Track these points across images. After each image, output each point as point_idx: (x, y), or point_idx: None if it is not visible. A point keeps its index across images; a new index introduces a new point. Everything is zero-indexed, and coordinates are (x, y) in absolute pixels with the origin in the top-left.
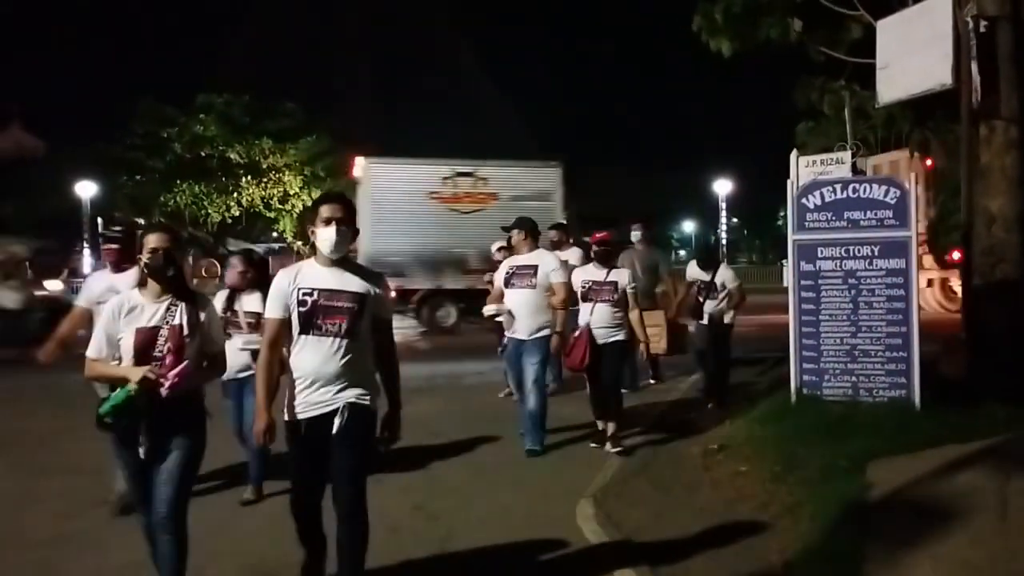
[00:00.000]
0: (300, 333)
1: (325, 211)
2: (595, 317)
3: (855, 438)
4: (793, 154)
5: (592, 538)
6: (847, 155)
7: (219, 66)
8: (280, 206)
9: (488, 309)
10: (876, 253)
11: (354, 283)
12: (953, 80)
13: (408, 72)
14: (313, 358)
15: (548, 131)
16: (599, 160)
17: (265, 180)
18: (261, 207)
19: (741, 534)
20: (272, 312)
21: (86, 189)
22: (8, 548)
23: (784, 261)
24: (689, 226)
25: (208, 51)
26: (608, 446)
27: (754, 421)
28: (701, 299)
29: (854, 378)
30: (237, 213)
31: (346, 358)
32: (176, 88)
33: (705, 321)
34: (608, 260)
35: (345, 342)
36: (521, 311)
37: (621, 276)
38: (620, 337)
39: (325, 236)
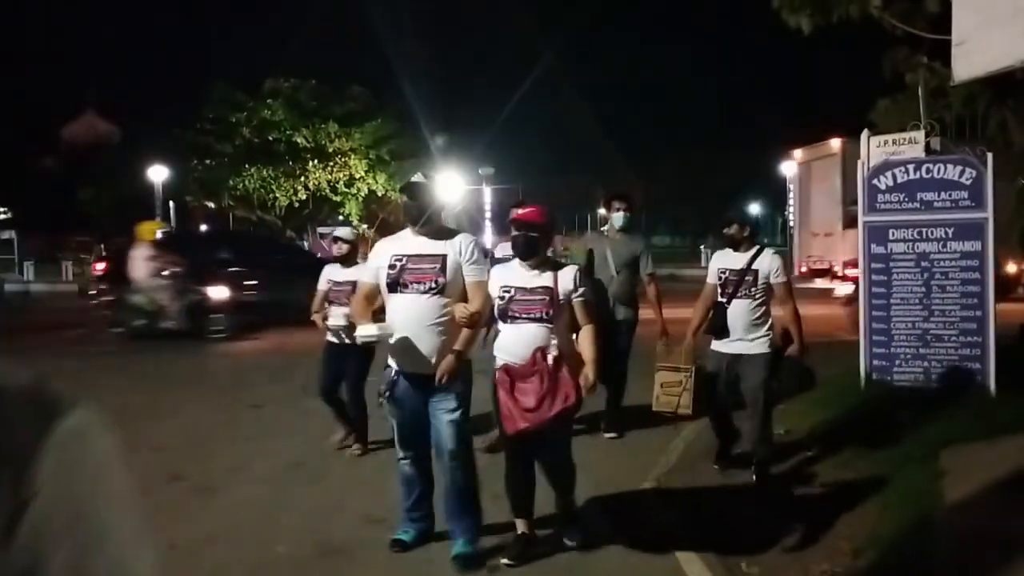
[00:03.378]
0: None
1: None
2: (519, 341)
3: (927, 424)
4: (864, 133)
5: (654, 519)
6: (920, 135)
7: (286, 51)
8: (346, 190)
9: (364, 331)
10: (950, 235)
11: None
12: None
13: (475, 56)
14: None
15: (615, 114)
16: (665, 140)
17: (331, 164)
18: (328, 191)
19: (809, 521)
20: None
21: (158, 173)
22: None
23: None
24: (756, 208)
25: (275, 36)
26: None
27: (820, 405)
28: (726, 299)
29: (926, 363)
30: (304, 197)
31: None
32: (244, 73)
33: (730, 345)
34: (532, 252)
35: None
36: (417, 330)
37: (563, 279)
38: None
39: None
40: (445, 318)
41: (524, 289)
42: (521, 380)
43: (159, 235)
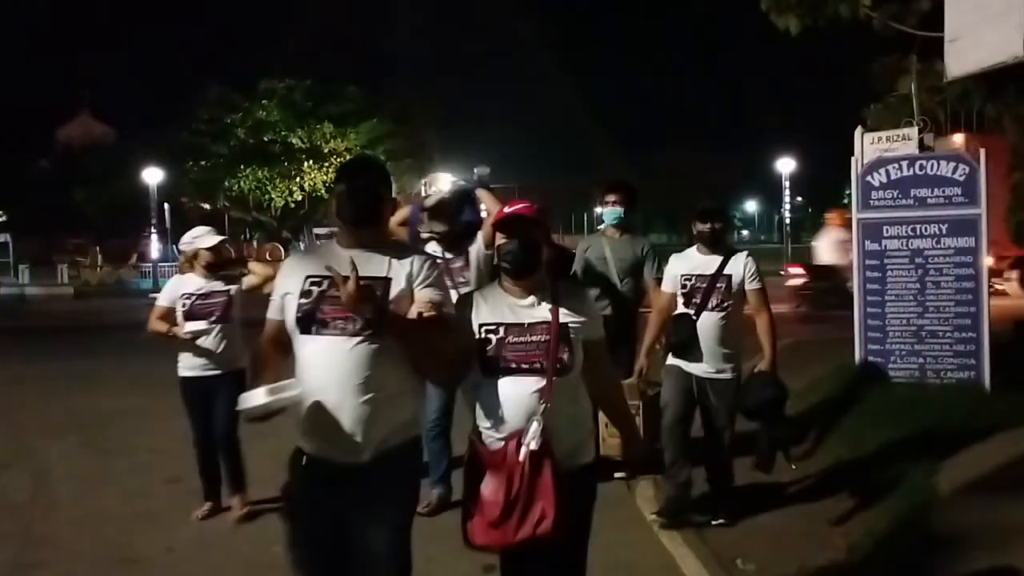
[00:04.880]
0: None
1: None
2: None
3: (922, 421)
4: (858, 131)
5: (651, 518)
6: (913, 132)
7: (281, 51)
8: None
9: (249, 400)
10: (944, 231)
11: None
12: None
13: (470, 54)
14: None
15: (611, 113)
16: (661, 139)
17: (327, 164)
18: (323, 191)
19: (804, 516)
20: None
21: (153, 175)
22: (86, 525)
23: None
24: (752, 206)
25: (270, 36)
26: None
27: (816, 403)
28: (693, 311)
29: (921, 359)
30: (300, 198)
31: None
32: (239, 74)
33: (696, 365)
34: (533, 266)
35: None
36: (338, 392)
37: (572, 307)
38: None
39: None
40: (385, 375)
41: (517, 326)
42: (493, 471)
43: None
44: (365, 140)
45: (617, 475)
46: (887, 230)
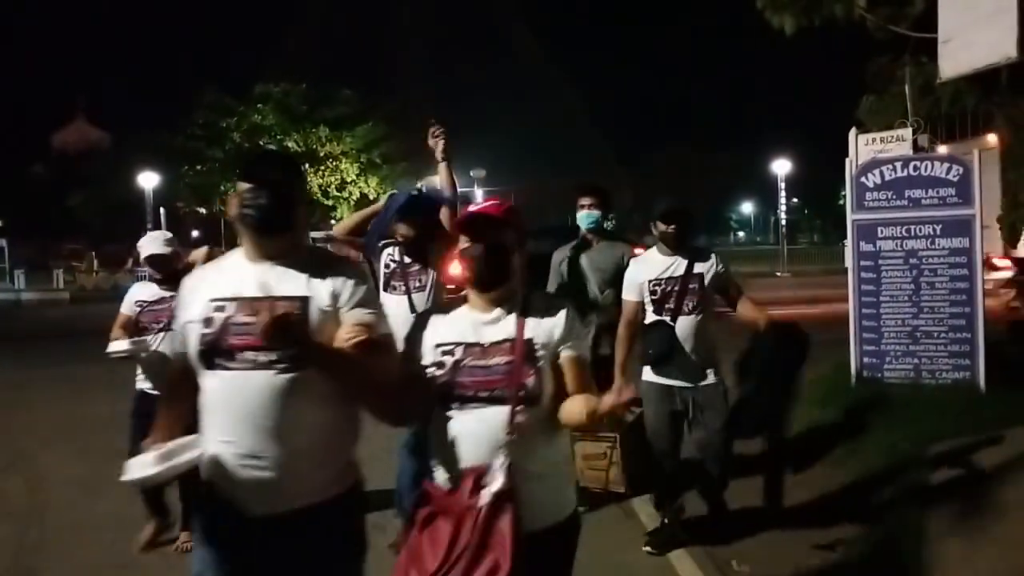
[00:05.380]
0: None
1: None
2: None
3: (918, 421)
4: (852, 132)
5: (647, 522)
6: (908, 132)
7: (276, 55)
8: (338, 194)
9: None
10: (938, 232)
11: None
12: (1019, 53)
13: (464, 56)
14: None
15: (607, 114)
16: (657, 140)
17: (323, 168)
18: (319, 195)
19: (798, 518)
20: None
21: (149, 179)
22: (81, 531)
23: (845, 241)
24: (748, 207)
25: (266, 40)
26: None
27: (812, 404)
28: (669, 316)
29: (916, 360)
30: None
31: None
32: (234, 78)
33: (677, 374)
34: (502, 277)
35: None
36: (252, 435)
37: (545, 323)
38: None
39: None
40: (306, 414)
41: (476, 347)
42: (442, 516)
43: None
44: (361, 143)
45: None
46: (881, 231)
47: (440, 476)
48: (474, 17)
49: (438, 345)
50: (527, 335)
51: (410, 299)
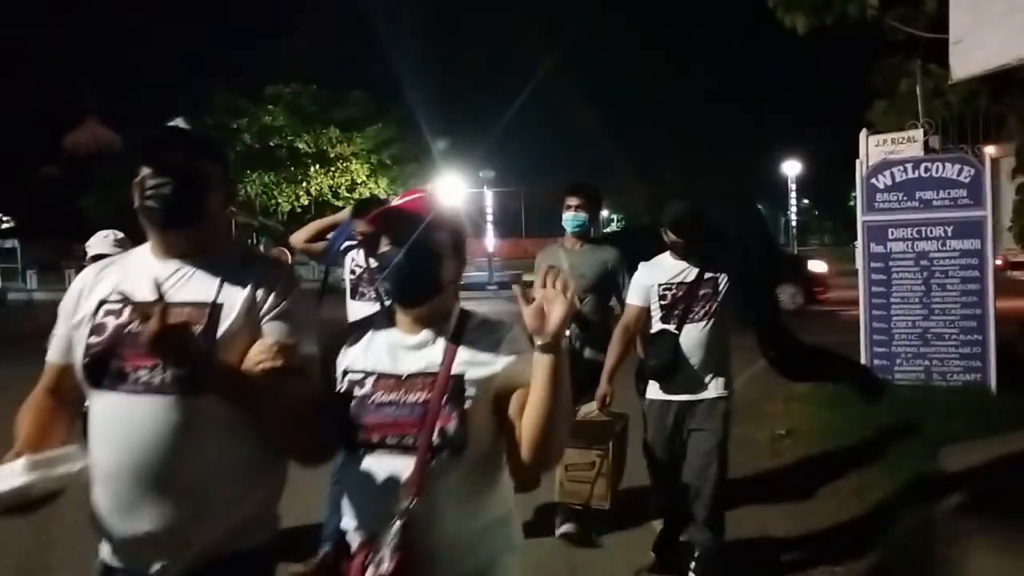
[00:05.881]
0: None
1: None
2: (374, 495)
3: (928, 423)
4: (863, 133)
5: (657, 525)
6: (919, 133)
7: (287, 56)
8: (348, 195)
9: (13, 477)
10: (949, 234)
11: None
12: None
13: (476, 60)
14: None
15: (616, 113)
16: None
17: (333, 169)
18: (330, 196)
19: (810, 520)
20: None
21: None
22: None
23: (856, 243)
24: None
25: (277, 41)
26: None
27: (822, 405)
28: (674, 325)
29: (927, 362)
30: (306, 202)
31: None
32: (245, 79)
33: (680, 389)
34: (429, 291)
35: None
36: (147, 470)
37: (483, 347)
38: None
39: None
40: (208, 450)
41: (391, 378)
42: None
43: None
44: (371, 145)
45: (562, 530)
46: (892, 232)
47: (350, 536)
48: (485, 19)
49: (347, 372)
50: (456, 368)
51: (382, 306)
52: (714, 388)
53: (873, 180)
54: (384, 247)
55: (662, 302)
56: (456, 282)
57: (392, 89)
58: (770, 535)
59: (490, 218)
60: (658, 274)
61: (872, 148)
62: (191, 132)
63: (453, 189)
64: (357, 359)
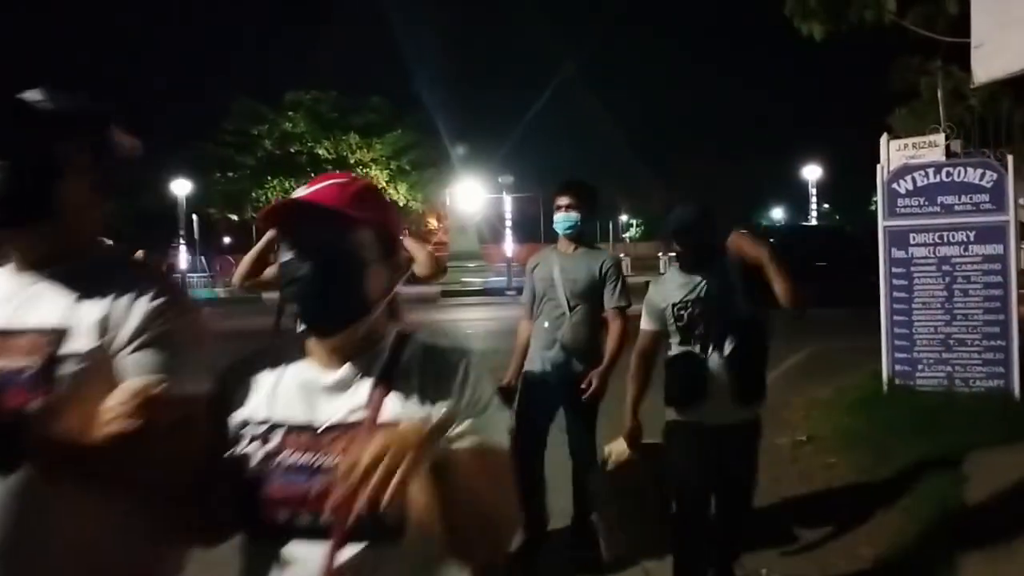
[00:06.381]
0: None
1: None
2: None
3: (951, 430)
4: (883, 138)
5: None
6: (940, 138)
7: (306, 63)
8: None
9: None
10: (972, 239)
11: None
12: None
13: (495, 63)
14: None
15: (636, 120)
16: (687, 148)
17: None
18: None
19: (830, 527)
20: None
21: (181, 187)
22: None
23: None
24: (778, 213)
25: (296, 49)
26: None
27: (843, 412)
28: (699, 347)
29: (949, 368)
30: None
31: None
32: (265, 86)
33: (710, 414)
34: (343, 316)
35: None
36: None
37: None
38: None
39: None
40: (59, 532)
41: (303, 432)
42: None
43: None
44: (390, 151)
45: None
46: (914, 238)
47: None
48: (504, 24)
49: (246, 423)
50: (388, 417)
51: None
52: (748, 411)
53: (894, 185)
54: (285, 255)
55: (679, 324)
56: (390, 296)
57: (411, 95)
58: (790, 541)
59: (509, 223)
60: (670, 292)
61: (893, 152)
62: (38, 105)
63: (472, 194)
64: (259, 405)
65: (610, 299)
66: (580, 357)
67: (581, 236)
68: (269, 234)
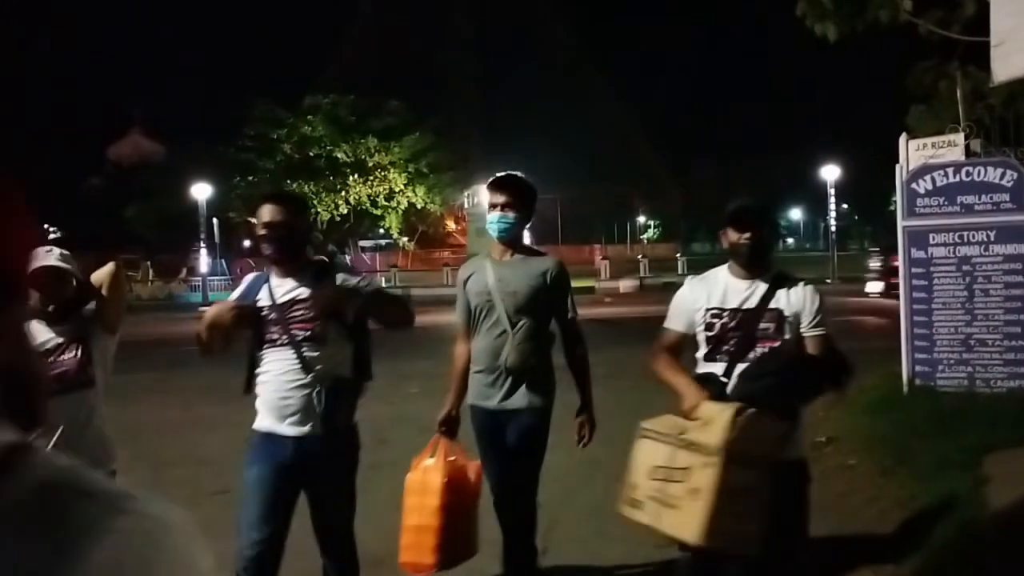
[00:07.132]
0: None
1: None
2: None
3: (971, 431)
4: (902, 137)
5: None
6: (960, 137)
7: (324, 67)
8: (386, 203)
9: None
10: (992, 238)
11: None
12: None
13: (512, 66)
14: None
15: (654, 120)
16: (705, 145)
17: (371, 178)
18: (368, 205)
19: (850, 528)
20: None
21: (202, 191)
22: None
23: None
24: (797, 213)
25: (315, 53)
26: None
27: (863, 413)
28: (723, 366)
29: (970, 368)
30: (345, 211)
31: None
32: (284, 90)
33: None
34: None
35: None
36: None
37: None
38: None
39: None
40: None
41: None
42: None
43: None
44: (408, 154)
45: None
46: (933, 238)
47: None
48: (520, 24)
49: None
50: None
51: (300, 356)
52: (787, 448)
53: (913, 185)
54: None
55: (708, 332)
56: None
57: (428, 98)
58: (809, 543)
59: (527, 225)
60: (711, 293)
61: (912, 152)
62: None
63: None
64: None
65: (566, 311)
66: (528, 382)
67: (518, 239)
68: (213, 310)
